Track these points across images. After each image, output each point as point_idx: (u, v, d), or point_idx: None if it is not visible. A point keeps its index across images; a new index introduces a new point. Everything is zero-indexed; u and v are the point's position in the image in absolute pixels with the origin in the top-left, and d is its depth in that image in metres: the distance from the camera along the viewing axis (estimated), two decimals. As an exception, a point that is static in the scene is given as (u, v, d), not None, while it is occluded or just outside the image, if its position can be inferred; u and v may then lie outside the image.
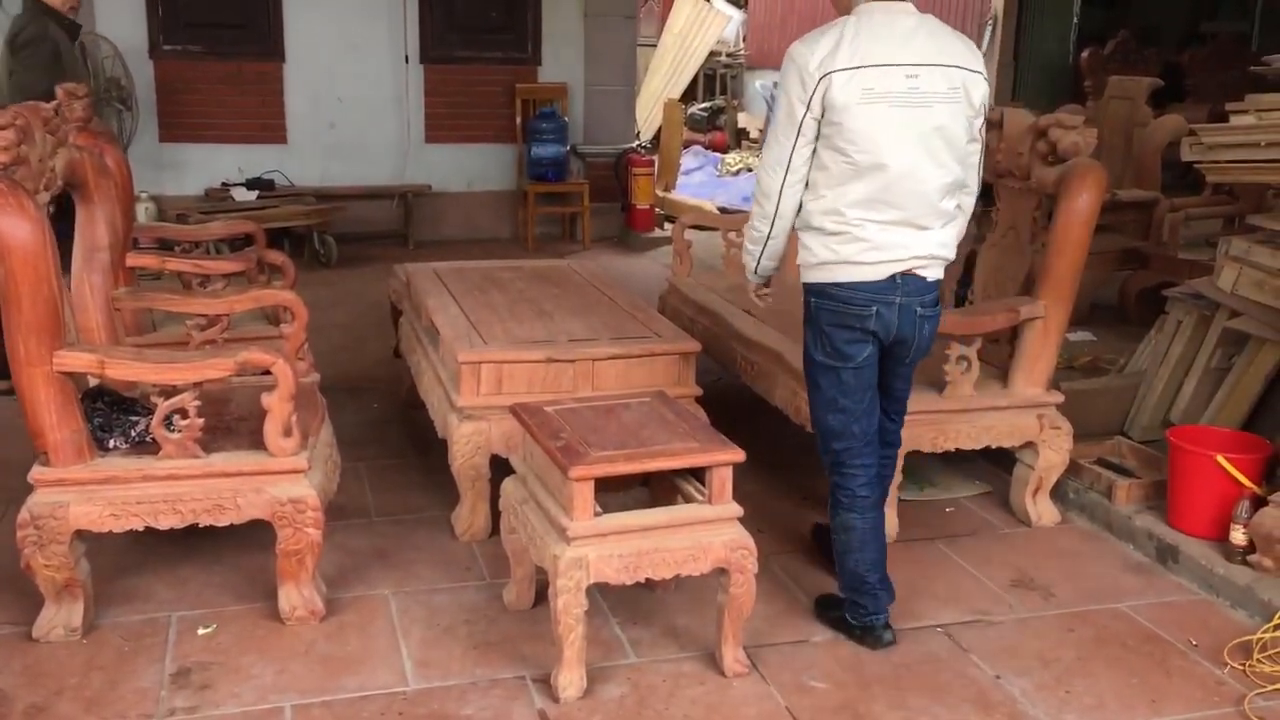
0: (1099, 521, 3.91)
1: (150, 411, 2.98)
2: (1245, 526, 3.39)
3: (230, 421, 3.27)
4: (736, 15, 15.27)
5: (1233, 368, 4.22)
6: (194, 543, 3.46)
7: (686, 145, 12.11)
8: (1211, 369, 4.30)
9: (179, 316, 4.00)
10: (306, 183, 8.27)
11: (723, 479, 2.83)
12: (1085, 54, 9.37)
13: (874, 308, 2.91)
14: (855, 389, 3.02)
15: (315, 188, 8.20)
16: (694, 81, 14.25)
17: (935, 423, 3.71)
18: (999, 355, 3.90)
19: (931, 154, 2.85)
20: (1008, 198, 4.08)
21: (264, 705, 2.76)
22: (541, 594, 3.01)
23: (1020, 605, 3.36)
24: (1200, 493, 3.57)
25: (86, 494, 2.91)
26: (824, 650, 3.08)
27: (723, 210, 8.84)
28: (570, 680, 2.79)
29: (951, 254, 3.02)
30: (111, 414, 3.12)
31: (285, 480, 3.02)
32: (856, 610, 3.13)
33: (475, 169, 8.79)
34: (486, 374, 3.57)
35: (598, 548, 2.73)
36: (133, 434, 3.08)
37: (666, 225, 8.74)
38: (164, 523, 2.97)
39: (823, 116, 2.81)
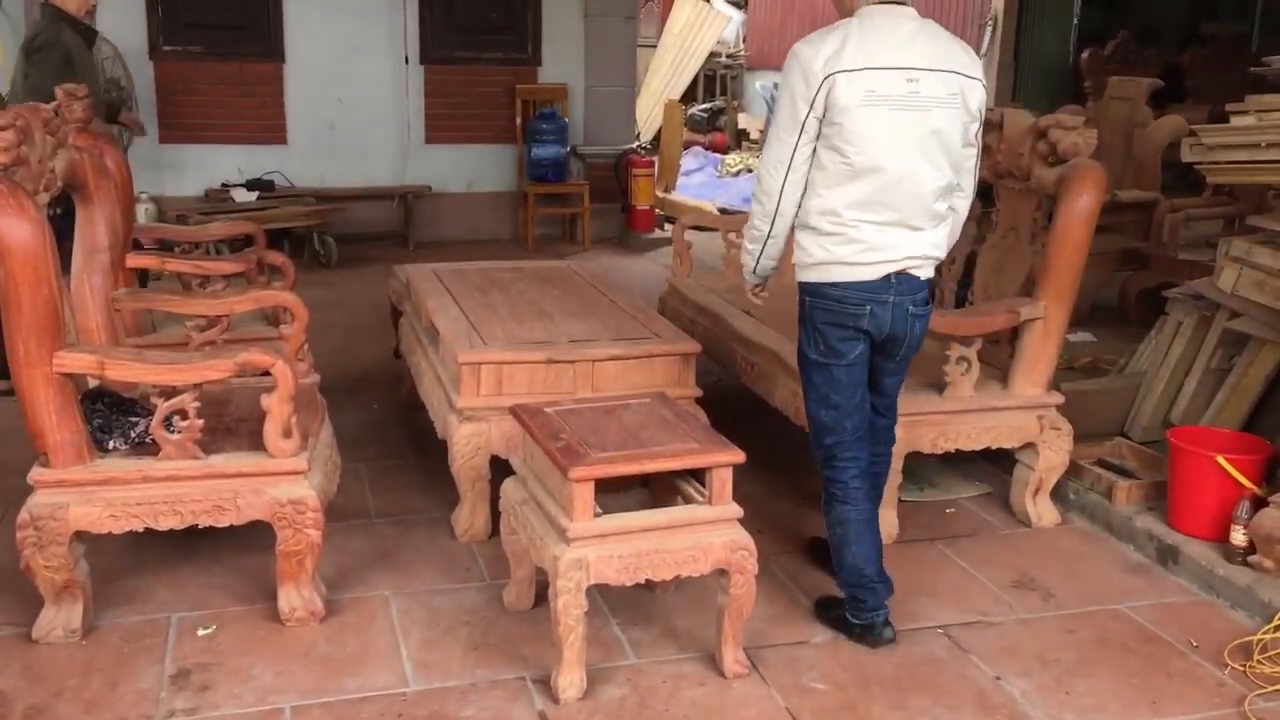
0: (1099, 522, 3.91)
1: (150, 413, 2.98)
2: (1245, 527, 3.39)
3: (230, 422, 3.26)
4: (736, 16, 15.27)
5: (1233, 368, 4.22)
6: (194, 544, 3.46)
7: (686, 146, 12.11)
8: (1212, 370, 4.30)
9: (179, 317, 4.00)
10: (306, 183, 8.27)
11: (723, 480, 2.83)
12: (1085, 55, 9.37)
13: (868, 307, 2.95)
14: (847, 385, 3.06)
15: (315, 188, 8.21)
16: (694, 82, 14.25)
17: (935, 423, 3.71)
18: (999, 356, 3.90)
19: (928, 157, 2.89)
20: (1008, 198, 4.08)
21: (264, 706, 2.76)
22: (541, 595, 3.00)
23: (1020, 606, 3.36)
24: (1200, 493, 3.57)
25: (86, 495, 2.91)
26: (824, 651, 3.08)
27: (723, 211, 8.84)
28: (570, 681, 2.78)
29: (943, 254, 3.07)
30: (111, 415, 3.12)
31: (285, 481, 3.02)
32: (856, 607, 3.13)
33: (475, 170, 8.79)
34: (486, 375, 3.57)
35: (598, 548, 2.73)
36: (132, 435, 3.08)
37: (666, 226, 8.74)
38: (164, 524, 2.97)
39: (824, 116, 2.83)
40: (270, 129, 8.27)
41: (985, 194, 4.24)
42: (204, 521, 3.00)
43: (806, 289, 3.03)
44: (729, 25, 14.68)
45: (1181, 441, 3.67)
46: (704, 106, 14.28)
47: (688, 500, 2.91)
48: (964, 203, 3.12)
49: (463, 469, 3.57)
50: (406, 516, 3.85)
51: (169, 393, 2.93)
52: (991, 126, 4.02)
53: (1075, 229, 3.65)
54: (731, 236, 5.05)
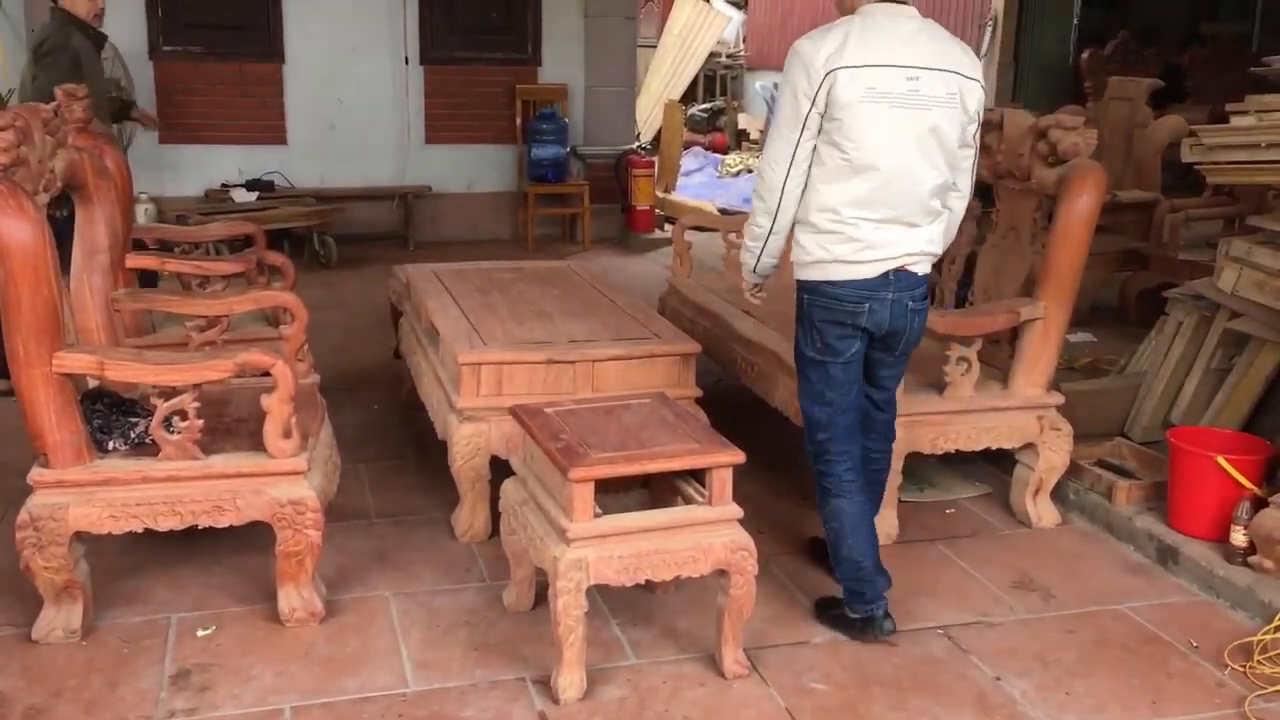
0: (1099, 523, 3.91)
1: (150, 413, 2.98)
2: (1246, 528, 3.39)
3: (230, 423, 3.26)
4: (736, 16, 15.27)
5: (1233, 369, 4.22)
6: (193, 544, 3.46)
7: (687, 146, 12.11)
8: (1212, 370, 4.30)
9: (178, 318, 4.00)
10: (306, 184, 8.28)
11: (723, 480, 2.83)
12: (1085, 55, 9.36)
13: (867, 304, 2.97)
14: (842, 383, 3.08)
15: (315, 189, 8.21)
16: (694, 82, 14.26)
17: (935, 424, 3.71)
18: (999, 356, 3.90)
19: (926, 155, 2.91)
20: (1008, 199, 4.08)
21: (263, 707, 2.76)
22: (541, 595, 3.00)
23: (1020, 606, 3.36)
24: (1201, 494, 3.57)
25: (86, 496, 2.91)
26: (824, 652, 3.08)
27: (723, 211, 8.84)
28: (570, 682, 2.78)
29: (939, 250, 3.09)
30: (111, 415, 3.12)
31: (285, 482, 3.02)
32: (856, 600, 3.14)
33: (475, 170, 8.79)
34: (486, 375, 3.57)
35: (598, 549, 2.72)
36: (132, 435, 3.08)
37: (666, 226, 8.74)
38: (163, 524, 2.97)
39: (825, 112, 2.85)
40: (270, 129, 8.27)
41: (985, 194, 4.25)
42: (204, 522, 3.00)
43: (805, 287, 3.04)
44: (729, 25, 14.67)
45: (1181, 442, 3.66)
46: (704, 107, 14.28)
47: (688, 501, 2.91)
48: (960, 202, 3.13)
49: (463, 469, 3.57)
50: (406, 517, 3.85)
51: (169, 393, 2.93)
52: (991, 127, 4.02)
53: (1075, 229, 3.65)
54: (732, 237, 5.05)
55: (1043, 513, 3.91)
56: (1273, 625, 3.12)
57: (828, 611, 3.22)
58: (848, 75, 2.80)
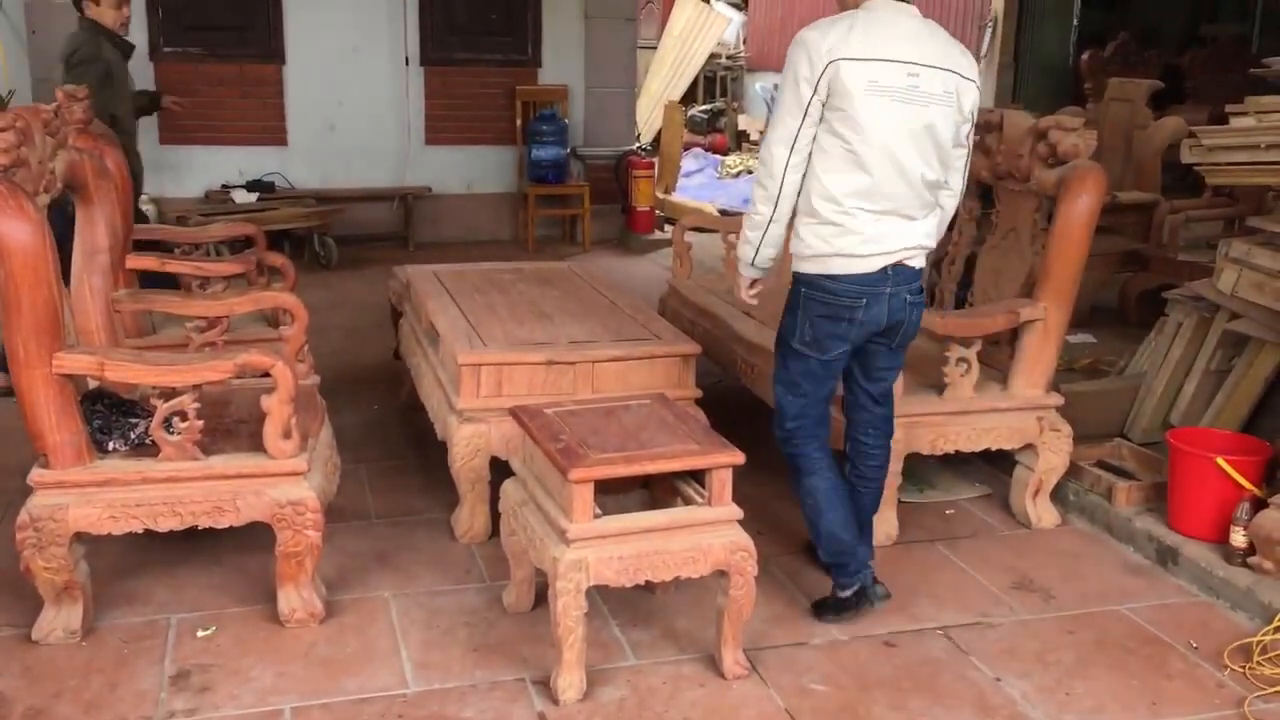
0: (1099, 523, 3.91)
1: (150, 414, 2.98)
2: (1245, 529, 3.39)
3: (230, 424, 3.27)
4: (736, 17, 15.27)
5: (1233, 370, 4.22)
6: (193, 545, 3.46)
7: (687, 147, 12.12)
8: (1211, 371, 4.30)
9: (179, 319, 4.00)
10: (307, 185, 8.28)
11: (722, 481, 2.83)
12: (1085, 56, 9.36)
13: (864, 300, 3.00)
14: (821, 378, 3.14)
15: (315, 190, 8.21)
16: (694, 84, 14.26)
17: (935, 425, 3.71)
18: (999, 357, 3.90)
19: (921, 151, 2.95)
20: (1008, 200, 4.08)
21: (263, 707, 2.76)
22: (541, 596, 3.00)
23: (1020, 607, 3.36)
24: (1200, 495, 3.57)
25: (86, 496, 2.91)
26: (824, 652, 3.08)
27: (723, 212, 8.83)
28: (570, 682, 2.78)
29: (934, 244, 3.14)
30: (111, 416, 3.12)
31: (285, 482, 3.02)
32: (841, 573, 3.19)
33: (475, 171, 8.79)
34: (486, 376, 3.57)
35: (597, 550, 2.72)
36: (132, 436, 3.08)
37: (667, 227, 8.75)
38: (163, 525, 2.97)
39: (827, 101, 2.88)
40: (270, 130, 8.28)
41: (985, 195, 4.26)
42: (204, 522, 3.00)
43: (802, 280, 3.07)
44: (729, 27, 14.68)
45: (1181, 443, 3.66)
46: (704, 108, 14.28)
47: (687, 501, 2.91)
48: (951, 201, 3.17)
49: (462, 470, 3.57)
50: (406, 518, 3.85)
51: (169, 394, 2.93)
52: (991, 127, 4.03)
53: (1075, 230, 3.65)
54: (731, 238, 5.03)
55: (1042, 514, 3.91)
56: (1272, 626, 3.12)
57: (824, 609, 3.24)
58: (850, 66, 2.84)
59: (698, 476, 2.90)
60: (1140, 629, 3.24)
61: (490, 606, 3.26)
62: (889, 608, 3.30)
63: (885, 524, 3.66)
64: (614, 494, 2.98)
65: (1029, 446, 3.85)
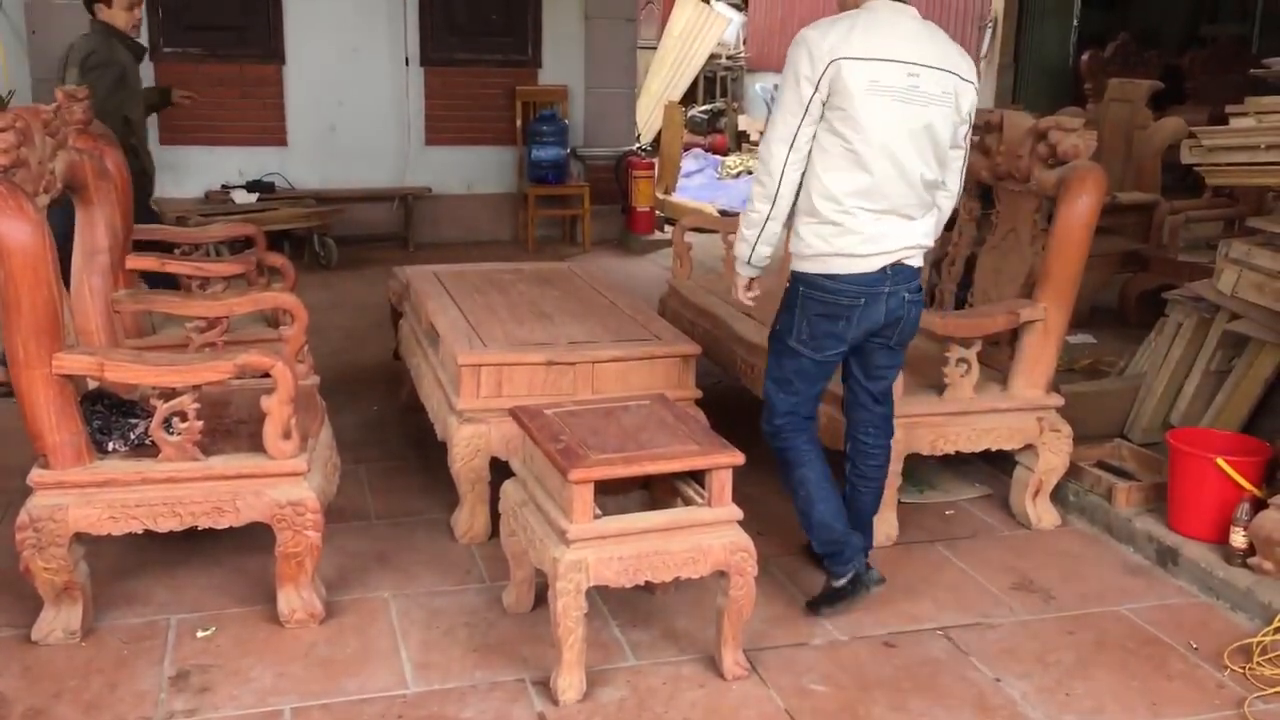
0: (1099, 524, 3.91)
1: (149, 414, 2.98)
2: (1245, 529, 3.39)
3: (230, 424, 3.26)
4: (736, 18, 15.27)
5: (1233, 370, 4.22)
6: (193, 545, 3.46)
7: (687, 148, 12.12)
8: (1211, 371, 4.30)
9: (178, 319, 4.00)
10: (307, 185, 8.28)
11: (722, 482, 2.83)
12: (1085, 56, 9.37)
13: (862, 299, 3.02)
14: (815, 377, 3.16)
15: (315, 190, 8.21)
16: (694, 84, 14.25)
17: (935, 425, 3.71)
18: (999, 358, 3.90)
19: (919, 151, 2.97)
20: (1008, 200, 4.08)
21: (263, 708, 2.76)
22: (541, 596, 3.00)
23: (1020, 608, 3.36)
24: (1200, 495, 3.57)
25: (85, 497, 2.91)
26: (824, 653, 3.08)
27: (723, 213, 8.82)
28: (570, 683, 2.78)
29: (932, 243, 3.16)
30: (111, 416, 3.12)
31: (284, 483, 3.02)
32: (836, 562, 3.21)
33: (475, 171, 8.79)
34: (486, 376, 3.57)
35: (597, 550, 2.72)
36: (132, 436, 3.08)
37: (667, 228, 8.75)
38: (163, 525, 2.97)
39: (828, 100, 2.90)
40: (270, 131, 8.27)
41: (985, 196, 4.26)
42: (203, 523, 3.00)
43: (801, 279, 3.08)
44: (729, 27, 14.68)
45: (1181, 443, 3.66)
46: (704, 108, 14.28)
47: (687, 502, 2.91)
48: (948, 202, 3.19)
49: (462, 470, 3.57)
50: (406, 518, 3.85)
51: (168, 394, 2.93)
52: (991, 128, 4.03)
53: (1075, 231, 3.65)
54: (731, 238, 5.03)
55: (1042, 514, 3.91)
56: (1272, 627, 3.12)
57: (818, 605, 3.26)
58: (851, 66, 2.85)
59: (698, 477, 2.90)
60: (1140, 630, 3.24)
61: (490, 607, 3.26)
62: (889, 608, 3.30)
63: (885, 524, 3.66)
64: (614, 494, 2.98)
65: (1029, 447, 3.85)
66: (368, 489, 4.08)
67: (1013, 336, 3.83)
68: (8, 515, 3.38)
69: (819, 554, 3.28)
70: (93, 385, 3.25)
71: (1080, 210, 3.63)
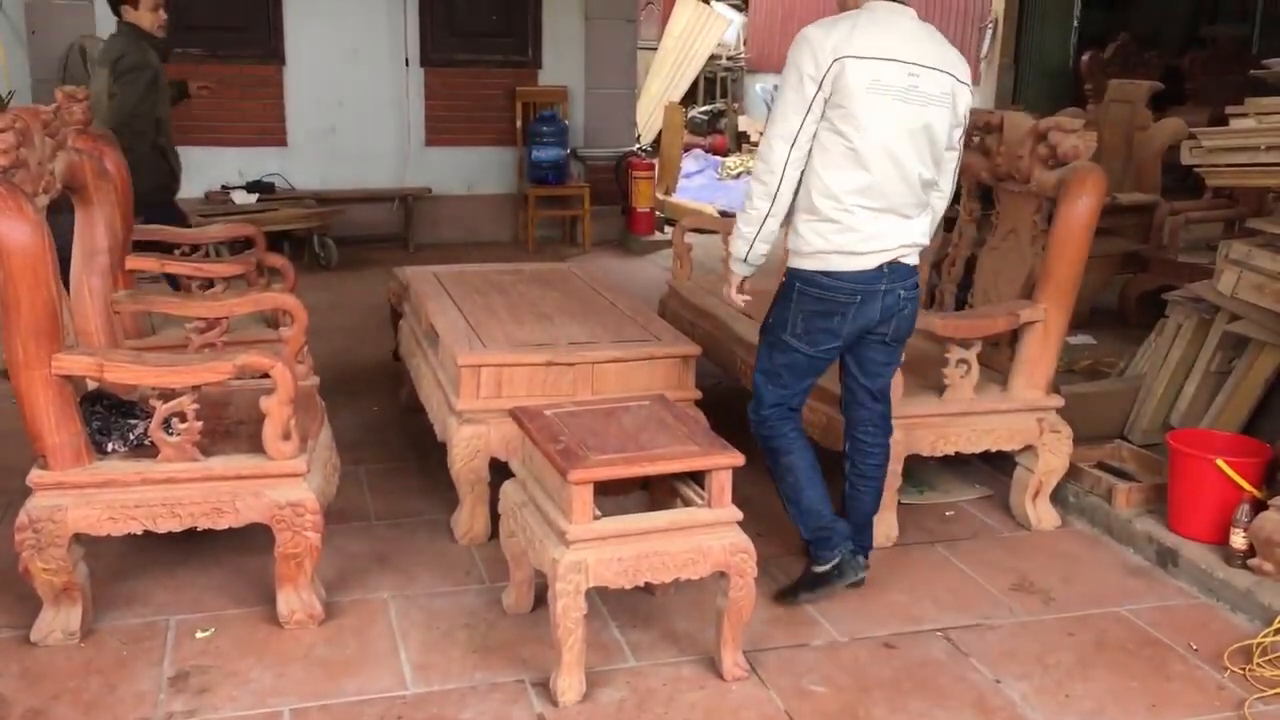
0: (1099, 525, 3.90)
1: (149, 415, 2.98)
2: (1245, 530, 3.39)
3: (229, 425, 3.26)
4: (737, 18, 15.27)
5: (1233, 371, 4.22)
6: (193, 546, 3.46)
7: (687, 149, 12.11)
8: (1211, 372, 4.30)
9: (178, 319, 4.00)
10: (307, 186, 8.28)
11: (722, 483, 2.83)
12: (1085, 57, 9.37)
13: (858, 297, 3.05)
14: (805, 372, 3.19)
15: (315, 191, 8.21)
16: (694, 85, 14.25)
17: (935, 426, 3.71)
18: (999, 359, 3.90)
19: (917, 151, 3.00)
20: (1008, 201, 4.08)
21: (263, 709, 2.76)
22: (541, 597, 3.00)
23: (1020, 609, 3.36)
24: (1200, 496, 3.57)
25: (85, 497, 2.90)
26: (824, 654, 3.07)
27: (723, 214, 8.82)
28: (569, 684, 2.78)
29: (927, 241, 3.20)
30: (110, 417, 3.12)
31: (284, 483, 3.01)
32: (822, 547, 3.24)
33: (475, 172, 8.79)
34: (486, 377, 3.57)
35: (597, 551, 2.72)
36: (131, 437, 3.08)
37: (667, 228, 8.74)
38: (162, 526, 2.97)
39: (830, 98, 2.92)
40: (270, 131, 8.28)
41: (985, 196, 4.26)
42: (203, 524, 3.00)
43: (798, 276, 3.10)
44: (729, 28, 14.67)
45: (1181, 444, 3.66)
46: (704, 109, 14.28)
47: (687, 503, 2.91)
48: (941, 202, 3.23)
49: (462, 471, 3.56)
50: (406, 519, 3.85)
51: (168, 395, 2.93)
52: (992, 129, 4.03)
53: (1075, 232, 3.65)
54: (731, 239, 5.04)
55: (1042, 515, 3.91)
56: (1272, 628, 3.12)
57: (795, 591, 3.28)
58: (854, 64, 2.88)
59: (697, 478, 2.90)
60: (1140, 631, 3.24)
61: (490, 608, 3.25)
62: (889, 609, 3.30)
63: (885, 525, 3.65)
64: (613, 495, 2.98)
65: (1029, 448, 3.84)
66: (367, 490, 4.08)
67: (1013, 337, 3.83)
68: (7, 516, 3.38)
69: (806, 540, 3.30)
70: (92, 386, 3.25)
71: (1080, 211, 3.63)
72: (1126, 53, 9.27)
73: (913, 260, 3.12)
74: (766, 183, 3.00)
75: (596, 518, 2.73)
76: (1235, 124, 4.26)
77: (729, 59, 15.08)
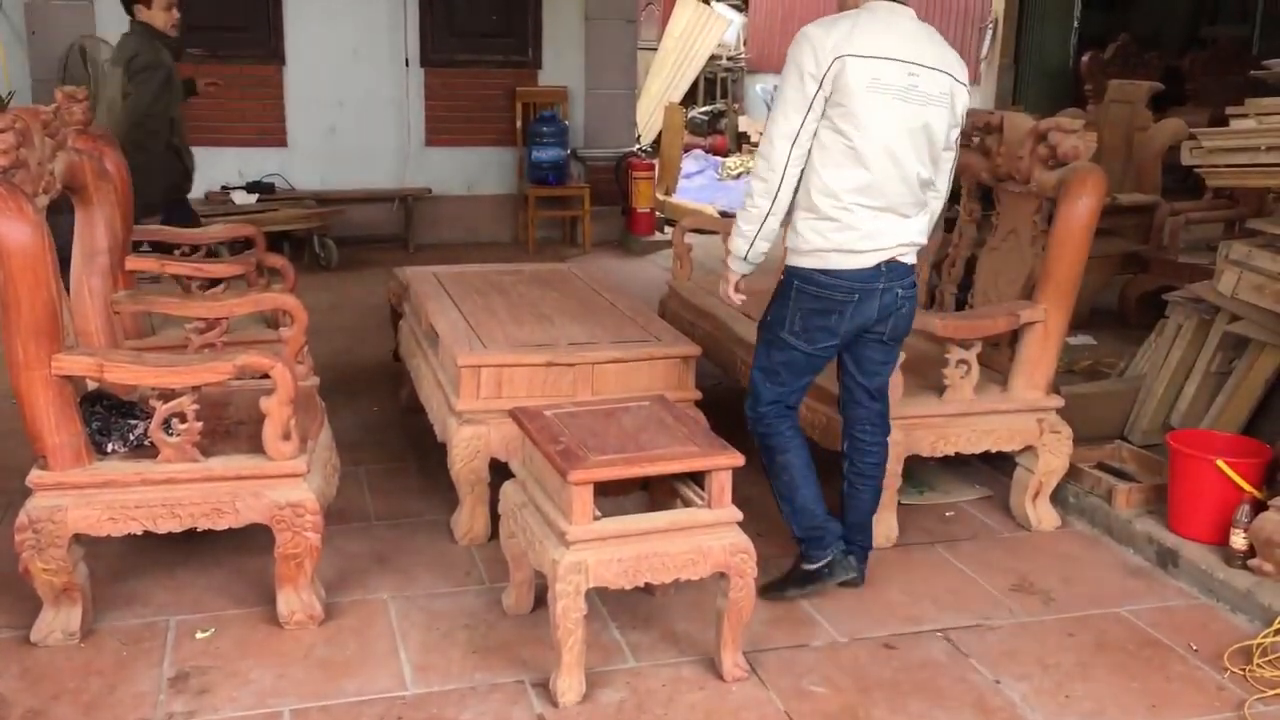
0: (1099, 526, 3.90)
1: (149, 415, 2.98)
2: (1245, 531, 3.39)
3: (229, 425, 3.26)
4: (737, 19, 15.27)
5: (1233, 372, 4.22)
6: (193, 546, 3.46)
7: (687, 149, 12.11)
8: (1211, 373, 4.30)
9: (178, 320, 4.00)
10: (307, 186, 8.28)
11: (722, 483, 2.83)
12: (1086, 58, 9.37)
13: (856, 295, 3.06)
14: (803, 370, 3.20)
15: (315, 191, 8.21)
16: (694, 85, 14.25)
17: (935, 426, 3.71)
18: (999, 359, 3.90)
19: (916, 150, 3.01)
20: (1008, 201, 4.08)
21: (262, 709, 2.76)
22: (541, 598, 3.00)
23: (1020, 610, 3.35)
24: (1200, 497, 3.57)
25: (85, 498, 2.90)
26: (824, 655, 3.07)
27: (723, 214, 8.82)
28: (569, 685, 2.78)
29: (925, 241, 3.21)
30: (110, 417, 3.12)
31: (284, 484, 3.01)
32: (814, 547, 3.26)
33: (475, 172, 8.79)
34: (486, 378, 3.57)
35: (597, 552, 2.72)
36: (131, 437, 3.08)
37: (667, 229, 8.74)
38: (162, 526, 2.97)
39: (830, 96, 2.93)
40: (271, 131, 8.28)
41: (985, 197, 4.26)
42: (203, 524, 3.00)
43: (797, 274, 3.11)
44: (729, 28, 14.67)
45: (1181, 445, 3.66)
46: (705, 109, 14.28)
47: (687, 504, 2.91)
48: (937, 202, 3.25)
49: (462, 472, 3.56)
50: (406, 519, 3.85)
51: (168, 395, 2.93)
52: (992, 129, 4.03)
53: (1075, 232, 3.65)
54: (731, 239, 5.04)
55: (1042, 516, 3.91)
56: (1273, 628, 3.12)
57: (783, 587, 3.29)
58: (855, 63, 2.89)
59: (697, 478, 2.90)
60: (1140, 631, 3.24)
61: (490, 609, 3.25)
62: (889, 610, 3.30)
63: (885, 526, 3.65)
64: (613, 496, 2.98)
65: (1029, 448, 3.84)
66: (367, 490, 4.08)
67: (1013, 338, 3.83)
68: (7, 516, 3.37)
69: (797, 538, 3.31)
70: (92, 386, 3.25)
71: (1080, 212, 3.63)
72: (1127, 53, 9.26)
73: (910, 259, 3.13)
74: (768, 180, 3.01)
75: (596, 518, 2.73)
76: (1235, 124, 4.26)
77: (729, 59, 15.08)
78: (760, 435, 3.26)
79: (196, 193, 7.92)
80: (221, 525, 3.01)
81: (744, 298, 3.30)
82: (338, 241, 7.84)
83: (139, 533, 2.96)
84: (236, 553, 3.46)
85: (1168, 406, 4.39)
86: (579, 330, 3.91)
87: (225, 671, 2.91)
